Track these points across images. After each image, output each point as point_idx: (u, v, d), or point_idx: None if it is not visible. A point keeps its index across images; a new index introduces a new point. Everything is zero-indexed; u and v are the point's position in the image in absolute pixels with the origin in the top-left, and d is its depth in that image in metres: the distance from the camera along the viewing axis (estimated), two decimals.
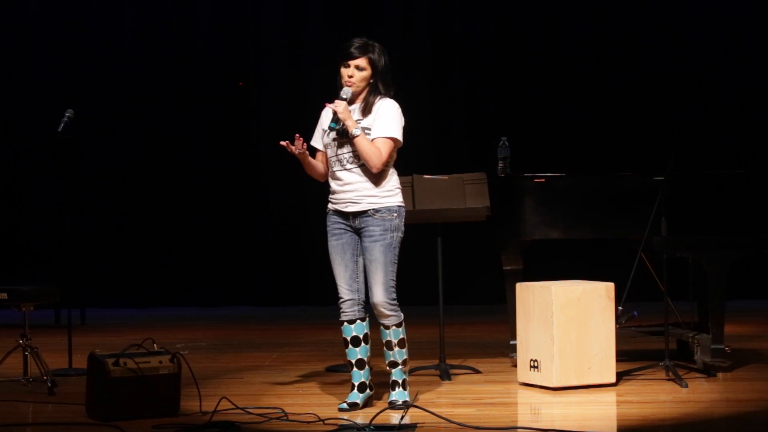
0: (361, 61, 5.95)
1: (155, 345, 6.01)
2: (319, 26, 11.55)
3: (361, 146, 5.89)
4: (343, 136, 5.93)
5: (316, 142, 6.10)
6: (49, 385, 6.57)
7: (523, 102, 11.30)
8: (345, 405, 5.98)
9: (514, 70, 11.37)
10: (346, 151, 5.95)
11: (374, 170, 5.90)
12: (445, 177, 6.99)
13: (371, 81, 5.98)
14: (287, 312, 11.16)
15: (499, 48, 11.43)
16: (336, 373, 7.22)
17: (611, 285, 6.68)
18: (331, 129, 5.93)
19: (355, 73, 5.95)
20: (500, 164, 7.27)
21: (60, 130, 7.27)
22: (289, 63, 11.57)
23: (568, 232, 7.17)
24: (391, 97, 5.99)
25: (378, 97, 5.97)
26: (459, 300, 10.68)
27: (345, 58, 5.96)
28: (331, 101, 5.95)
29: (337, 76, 6.02)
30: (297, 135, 5.90)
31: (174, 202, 11.57)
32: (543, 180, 7.15)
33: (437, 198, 6.39)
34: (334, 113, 5.90)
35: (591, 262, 9.04)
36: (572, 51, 11.31)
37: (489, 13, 11.47)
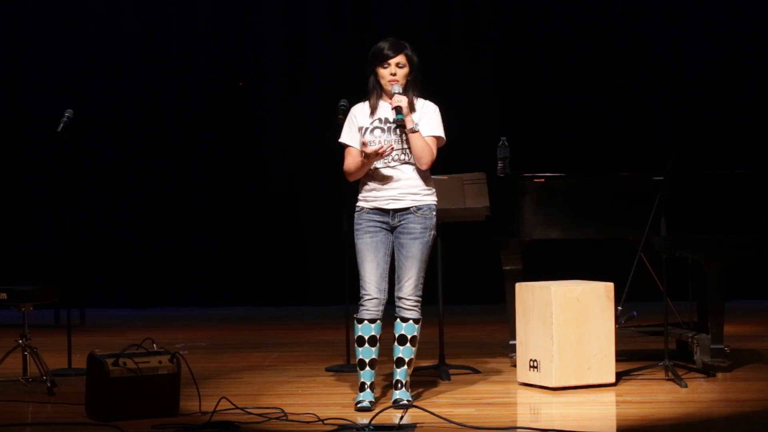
0: (401, 59, 5.99)
1: (155, 345, 6.01)
2: (319, 26, 11.55)
3: (418, 142, 5.95)
4: (401, 130, 5.95)
5: (352, 140, 6.07)
6: (49, 385, 6.57)
7: (522, 102, 11.29)
8: (367, 404, 5.95)
9: (514, 69, 11.36)
10: (394, 149, 5.97)
11: (424, 167, 5.99)
12: (445, 177, 6.98)
13: (409, 78, 6.01)
14: (287, 312, 11.16)
15: (499, 48, 11.43)
16: (336, 373, 7.23)
17: (611, 285, 6.68)
18: (397, 121, 5.91)
19: (397, 71, 5.98)
20: (500, 164, 7.27)
21: (60, 130, 7.27)
22: (289, 63, 11.57)
23: (567, 232, 7.17)
24: (422, 96, 6.06)
25: (416, 96, 6.03)
26: (458, 300, 10.67)
27: (383, 59, 5.98)
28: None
29: (370, 78, 6.04)
30: (391, 146, 5.92)
31: (174, 202, 11.57)
32: (543, 180, 7.15)
33: (437, 198, 6.37)
34: (399, 108, 5.90)
35: (591, 262, 9.04)
36: (572, 51, 11.31)
37: (489, 12, 11.47)
